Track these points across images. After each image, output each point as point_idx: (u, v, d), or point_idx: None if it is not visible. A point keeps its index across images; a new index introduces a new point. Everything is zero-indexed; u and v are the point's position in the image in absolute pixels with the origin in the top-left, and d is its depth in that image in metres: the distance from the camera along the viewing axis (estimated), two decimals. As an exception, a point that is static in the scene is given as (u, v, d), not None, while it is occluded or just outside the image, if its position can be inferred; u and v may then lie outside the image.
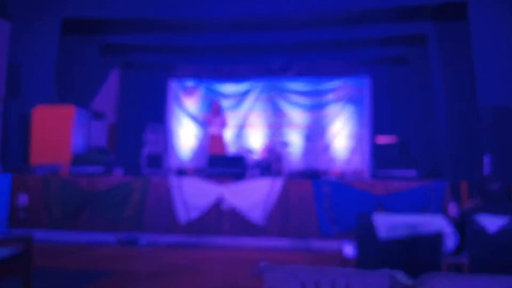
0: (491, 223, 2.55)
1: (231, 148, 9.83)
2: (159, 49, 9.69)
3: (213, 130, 8.33)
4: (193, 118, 10.77)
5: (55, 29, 7.75)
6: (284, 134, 10.36)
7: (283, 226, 5.97)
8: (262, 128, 10.53)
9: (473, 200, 3.13)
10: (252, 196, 6.03)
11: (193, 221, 6.07)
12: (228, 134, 8.80)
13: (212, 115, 8.30)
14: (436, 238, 2.59)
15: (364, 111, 10.16)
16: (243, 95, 10.68)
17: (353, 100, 10.25)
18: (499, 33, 6.50)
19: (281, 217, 5.97)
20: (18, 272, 3.11)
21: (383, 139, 9.31)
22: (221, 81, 10.89)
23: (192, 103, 10.86)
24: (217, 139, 8.30)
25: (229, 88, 10.79)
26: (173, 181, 6.23)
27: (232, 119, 10.39)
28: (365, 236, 2.67)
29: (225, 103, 10.42)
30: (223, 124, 8.33)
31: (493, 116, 6.32)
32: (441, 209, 5.62)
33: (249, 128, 10.52)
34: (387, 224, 2.61)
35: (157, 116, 10.59)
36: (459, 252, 2.77)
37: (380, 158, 7.38)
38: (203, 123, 10.44)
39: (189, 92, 10.91)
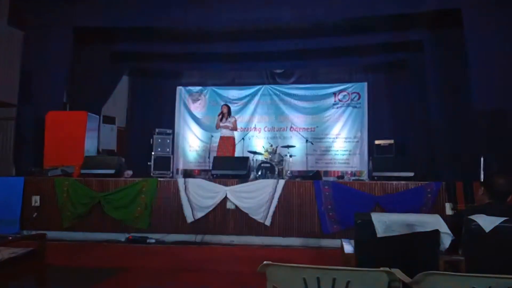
0: (487, 222, 2.53)
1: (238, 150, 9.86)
2: (167, 57, 9.70)
3: (223, 132, 8.35)
4: (199, 122, 10.79)
5: (67, 37, 7.78)
6: (286, 137, 10.37)
7: (286, 225, 5.95)
8: (265, 131, 10.55)
9: (481, 197, 3.05)
10: (256, 197, 6.02)
11: (199, 221, 6.07)
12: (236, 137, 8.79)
13: (222, 117, 8.29)
14: (433, 237, 2.58)
15: (363, 115, 10.15)
16: (247, 100, 10.70)
17: (352, 104, 10.25)
18: (492, 38, 6.49)
19: (284, 217, 5.96)
20: (32, 270, 3.11)
21: (381, 142, 9.28)
22: (225, 87, 10.92)
23: (198, 108, 10.89)
24: (227, 141, 8.31)
25: (233, 93, 10.82)
26: (180, 182, 6.23)
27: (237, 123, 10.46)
28: (363, 234, 2.66)
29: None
30: (233, 126, 8.34)
31: (487, 119, 6.31)
32: (436, 209, 5.60)
33: (253, 132, 10.54)
34: (385, 222, 2.60)
35: (165, 121, 10.61)
36: (455, 250, 2.76)
37: (378, 160, 7.36)
38: (209, 127, 10.48)
39: (195, 97, 10.94)
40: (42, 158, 7.21)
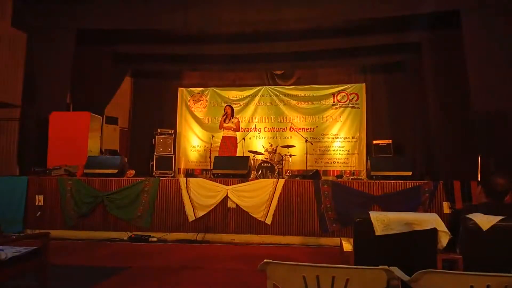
0: (484, 220, 2.52)
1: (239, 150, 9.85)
2: (168, 58, 9.70)
3: (226, 132, 8.36)
4: (200, 122, 10.78)
5: (70, 39, 7.77)
6: (286, 137, 10.36)
7: (285, 224, 5.95)
8: (265, 131, 10.54)
9: (478, 196, 3.03)
10: (257, 196, 6.02)
11: (200, 219, 6.06)
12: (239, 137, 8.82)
13: (225, 117, 8.31)
14: (431, 235, 2.57)
15: (361, 115, 10.14)
16: (247, 101, 10.68)
17: (351, 105, 10.23)
18: (490, 39, 6.47)
19: (284, 216, 5.95)
20: (35, 268, 3.10)
21: (379, 142, 9.27)
22: (226, 88, 10.90)
23: (199, 109, 10.88)
24: (229, 141, 8.31)
25: (234, 94, 10.81)
26: (182, 181, 6.22)
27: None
28: (362, 233, 2.65)
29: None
30: (236, 126, 8.35)
31: (485, 119, 6.29)
32: (434, 208, 5.59)
33: (253, 132, 10.53)
34: (383, 221, 2.59)
35: (167, 121, 10.60)
36: (452, 248, 2.75)
37: (376, 159, 7.34)
38: (210, 127, 10.48)
39: (196, 98, 10.93)
40: (45, 158, 7.20)
